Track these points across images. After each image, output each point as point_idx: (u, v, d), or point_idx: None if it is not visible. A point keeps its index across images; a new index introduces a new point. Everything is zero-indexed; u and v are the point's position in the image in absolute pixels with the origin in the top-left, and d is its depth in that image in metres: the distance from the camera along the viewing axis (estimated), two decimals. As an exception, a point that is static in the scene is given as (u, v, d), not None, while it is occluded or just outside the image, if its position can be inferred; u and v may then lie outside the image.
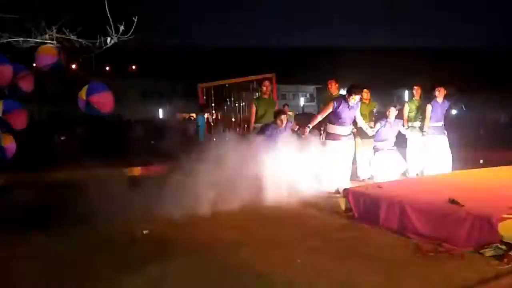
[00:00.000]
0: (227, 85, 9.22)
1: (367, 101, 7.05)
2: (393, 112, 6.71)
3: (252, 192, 5.58)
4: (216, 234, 4.14)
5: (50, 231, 4.31)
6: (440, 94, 6.70)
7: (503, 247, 3.12)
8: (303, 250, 3.54)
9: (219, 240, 3.95)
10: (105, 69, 15.47)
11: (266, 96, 6.79)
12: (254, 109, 6.66)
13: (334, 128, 6.05)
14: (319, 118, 6.07)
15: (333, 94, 6.90)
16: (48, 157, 9.22)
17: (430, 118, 6.74)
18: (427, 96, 7.04)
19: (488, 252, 3.17)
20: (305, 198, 5.75)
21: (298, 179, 5.90)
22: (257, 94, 8.08)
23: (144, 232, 4.27)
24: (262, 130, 6.08)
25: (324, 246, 3.62)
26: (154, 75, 14.59)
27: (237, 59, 12.55)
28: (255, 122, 6.63)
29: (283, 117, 5.91)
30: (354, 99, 5.98)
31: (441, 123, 6.80)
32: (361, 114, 6.31)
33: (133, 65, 15.58)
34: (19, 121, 6.04)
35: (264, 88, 6.72)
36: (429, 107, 6.74)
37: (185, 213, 4.89)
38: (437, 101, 6.73)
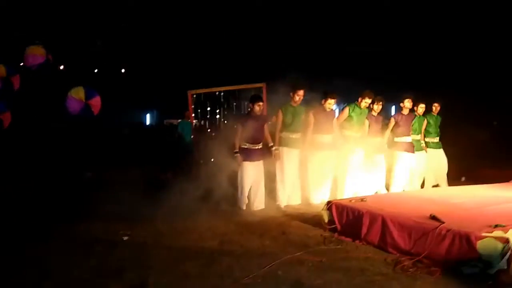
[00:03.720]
0: (217, 93, 9.21)
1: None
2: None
3: (236, 202, 5.60)
4: (197, 243, 4.11)
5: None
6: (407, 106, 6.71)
7: (481, 265, 3.15)
8: (285, 261, 3.52)
9: (200, 249, 3.92)
10: (94, 71, 15.33)
11: (295, 105, 6.00)
12: (280, 117, 5.97)
13: (316, 138, 6.08)
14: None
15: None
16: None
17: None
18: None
19: (467, 269, 3.20)
20: (289, 208, 5.78)
21: (283, 188, 5.92)
22: (245, 104, 7.98)
23: (124, 238, 4.21)
24: (238, 118, 5.87)
25: (304, 258, 3.60)
26: (142, 79, 14.51)
27: (229, 66, 12.52)
28: (281, 131, 5.96)
29: (261, 104, 5.70)
30: (330, 103, 6.03)
31: (409, 138, 6.80)
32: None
33: (122, 68, 15.49)
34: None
35: (297, 98, 5.92)
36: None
37: (167, 221, 4.86)
38: (403, 114, 6.74)
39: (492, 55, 10.18)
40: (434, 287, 3.04)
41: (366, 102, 6.25)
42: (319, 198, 6.02)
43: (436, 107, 7.14)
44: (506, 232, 3.30)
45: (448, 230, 3.41)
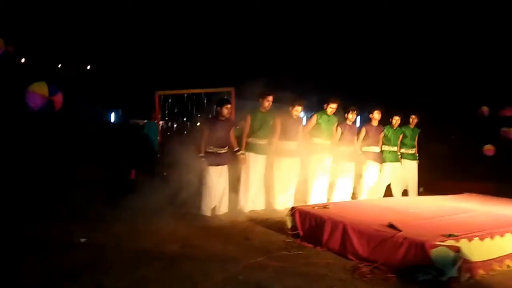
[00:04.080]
0: (185, 95, 9.12)
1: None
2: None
3: (201, 205, 5.53)
4: (158, 247, 4.03)
5: None
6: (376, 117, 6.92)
7: (434, 272, 3.28)
8: (246, 266, 3.52)
9: (161, 252, 3.84)
10: (57, 67, 14.78)
11: (264, 111, 5.97)
12: (249, 122, 5.92)
13: (281, 144, 6.13)
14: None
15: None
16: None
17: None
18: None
19: (421, 276, 3.32)
20: (253, 214, 5.79)
21: (247, 194, 5.92)
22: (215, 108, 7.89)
23: (82, 240, 4.07)
24: (205, 121, 5.81)
25: (266, 263, 3.62)
26: (108, 76, 14.10)
27: (199, 69, 12.41)
28: (248, 136, 5.94)
29: (229, 106, 5.65)
30: (297, 110, 6.11)
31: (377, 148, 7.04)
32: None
33: (87, 65, 15.01)
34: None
35: (267, 103, 5.90)
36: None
37: (128, 223, 4.75)
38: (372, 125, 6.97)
39: (451, 73, 10.69)
40: (390, 293, 3.13)
41: (331, 107, 6.35)
42: (283, 204, 6.07)
43: (413, 119, 7.29)
44: (458, 241, 3.46)
45: (404, 238, 3.53)
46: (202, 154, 5.50)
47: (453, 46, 10.65)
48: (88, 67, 15.44)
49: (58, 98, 6.00)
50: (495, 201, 5.97)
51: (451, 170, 8.70)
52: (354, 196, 6.88)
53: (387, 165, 7.08)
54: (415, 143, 7.39)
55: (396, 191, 7.18)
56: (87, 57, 14.79)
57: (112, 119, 15.79)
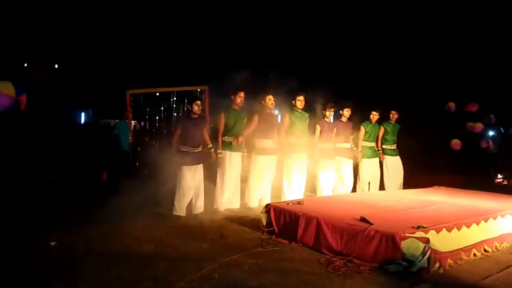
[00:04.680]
0: (158, 94, 8.99)
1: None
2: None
3: (175, 205, 5.48)
4: (131, 247, 3.97)
5: None
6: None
7: (405, 263, 3.38)
8: (221, 264, 3.52)
9: (134, 253, 3.78)
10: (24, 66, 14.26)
11: (237, 108, 5.99)
12: (223, 120, 5.91)
13: (260, 142, 6.15)
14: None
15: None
16: None
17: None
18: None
19: (392, 268, 3.41)
20: (228, 212, 5.78)
21: (223, 192, 5.91)
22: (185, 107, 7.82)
23: (52, 243, 3.96)
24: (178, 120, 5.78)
25: (242, 261, 3.63)
26: (77, 75, 13.67)
27: (171, 66, 12.24)
28: (223, 135, 5.93)
29: (199, 102, 5.60)
30: (270, 99, 6.12)
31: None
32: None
33: (54, 64, 14.53)
34: None
35: (239, 100, 5.91)
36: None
37: (100, 225, 4.66)
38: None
39: (421, 70, 11.00)
40: (363, 285, 3.20)
41: (299, 100, 6.34)
42: (259, 202, 6.09)
43: (393, 115, 7.40)
44: (427, 233, 3.57)
45: (376, 231, 3.62)
46: (175, 153, 5.44)
47: (422, 45, 10.96)
48: (56, 66, 14.98)
49: (23, 99, 5.80)
50: (462, 193, 6.19)
51: (421, 165, 8.96)
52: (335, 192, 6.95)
53: (365, 161, 7.19)
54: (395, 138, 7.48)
55: (389, 183, 7.29)
56: (55, 56, 14.34)
57: (82, 119, 15.37)
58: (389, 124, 7.45)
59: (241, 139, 5.90)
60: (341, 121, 7.01)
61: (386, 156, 7.42)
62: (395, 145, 7.50)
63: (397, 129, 7.52)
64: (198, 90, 8.11)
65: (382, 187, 7.37)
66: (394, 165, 7.42)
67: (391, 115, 7.44)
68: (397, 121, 7.49)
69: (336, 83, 6.85)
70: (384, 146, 7.44)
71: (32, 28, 12.30)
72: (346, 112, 6.95)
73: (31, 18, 12.00)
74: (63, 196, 6.36)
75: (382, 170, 7.44)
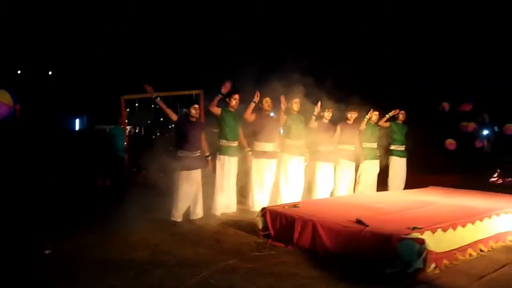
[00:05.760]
0: (152, 98, 8.96)
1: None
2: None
3: (171, 211, 5.44)
4: (127, 254, 3.94)
5: None
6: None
7: (401, 264, 3.38)
8: (218, 269, 3.51)
9: (130, 260, 3.76)
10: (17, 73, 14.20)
11: (232, 110, 5.97)
12: (219, 112, 5.83)
13: (259, 145, 6.14)
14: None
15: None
16: None
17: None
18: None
19: (388, 269, 3.41)
20: (225, 216, 5.77)
21: (221, 197, 5.89)
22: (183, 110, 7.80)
23: (46, 252, 3.93)
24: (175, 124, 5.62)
25: (238, 265, 3.62)
26: (71, 82, 13.58)
27: (165, 71, 12.21)
28: (220, 138, 5.93)
29: (197, 106, 5.57)
30: (267, 101, 6.09)
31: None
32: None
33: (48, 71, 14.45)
34: None
35: (234, 102, 5.90)
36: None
37: (95, 232, 4.63)
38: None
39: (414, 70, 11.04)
40: (359, 287, 3.20)
41: (295, 103, 6.32)
42: (256, 206, 6.07)
43: (402, 115, 7.33)
44: (422, 233, 3.58)
45: (371, 233, 3.62)
46: (172, 158, 5.41)
47: (416, 46, 11.00)
48: (50, 72, 14.94)
49: (17, 107, 5.79)
50: (457, 193, 6.22)
51: (416, 165, 8.99)
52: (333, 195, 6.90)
53: (365, 162, 7.11)
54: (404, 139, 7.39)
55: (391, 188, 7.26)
56: (48, 63, 14.29)
57: (77, 126, 15.31)
58: (396, 124, 7.38)
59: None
60: (346, 123, 6.94)
61: (393, 157, 7.36)
62: (404, 146, 7.42)
63: (405, 129, 7.43)
64: (194, 94, 8.11)
65: (385, 188, 7.32)
66: (401, 167, 7.37)
67: (400, 115, 7.34)
68: (404, 122, 7.42)
69: (333, 82, 6.76)
70: (392, 147, 7.39)
71: (25, 34, 12.25)
72: (352, 114, 6.90)
73: (24, 25, 11.95)
74: (58, 202, 6.33)
75: (387, 171, 7.40)
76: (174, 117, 5.50)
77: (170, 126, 8.92)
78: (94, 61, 13.14)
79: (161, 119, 8.85)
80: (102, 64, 13.09)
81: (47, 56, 13.46)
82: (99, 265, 3.60)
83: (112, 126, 8.51)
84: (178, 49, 12.39)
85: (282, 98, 6.01)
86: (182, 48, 12.36)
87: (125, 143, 8.14)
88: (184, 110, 5.69)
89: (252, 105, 5.99)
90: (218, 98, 5.72)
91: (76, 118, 15.36)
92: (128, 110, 8.64)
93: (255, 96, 5.98)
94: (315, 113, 6.48)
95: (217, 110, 5.80)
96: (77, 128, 15.04)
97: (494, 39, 10.37)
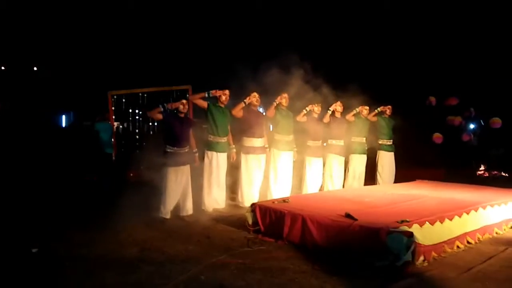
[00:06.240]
0: (140, 94, 8.90)
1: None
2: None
3: (160, 208, 5.40)
4: (115, 252, 3.91)
5: None
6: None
7: (390, 257, 3.41)
8: (208, 266, 3.50)
9: (119, 257, 3.73)
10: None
11: (222, 106, 5.90)
12: (206, 105, 5.77)
13: (248, 141, 6.12)
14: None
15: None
16: None
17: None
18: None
19: (377, 262, 3.44)
20: (215, 212, 5.75)
21: (210, 193, 5.86)
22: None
23: (33, 250, 3.87)
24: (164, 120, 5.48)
25: (228, 261, 3.61)
26: (57, 78, 13.31)
27: (153, 67, 12.06)
28: (208, 133, 5.88)
29: (185, 101, 5.52)
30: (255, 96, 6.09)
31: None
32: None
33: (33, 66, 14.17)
34: None
35: (224, 98, 5.82)
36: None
37: (83, 229, 4.58)
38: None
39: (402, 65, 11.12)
40: (349, 281, 3.22)
41: (284, 98, 6.31)
42: (246, 201, 6.06)
43: (389, 109, 7.38)
44: (410, 227, 3.62)
45: (360, 227, 3.64)
46: (160, 154, 5.36)
47: (403, 40, 11.08)
48: (35, 68, 14.65)
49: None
50: (444, 186, 6.30)
51: (403, 159, 9.07)
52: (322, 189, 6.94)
53: (354, 156, 7.16)
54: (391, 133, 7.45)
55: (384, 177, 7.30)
56: (33, 58, 14.00)
57: (64, 122, 15.07)
58: (384, 118, 7.41)
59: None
60: (335, 117, 6.96)
61: (381, 152, 7.39)
62: (391, 140, 7.45)
63: (392, 123, 7.48)
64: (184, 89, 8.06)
65: (373, 182, 7.36)
66: (389, 161, 7.41)
67: (387, 110, 7.38)
68: (391, 116, 7.47)
69: (329, 79, 6.75)
70: (380, 141, 7.41)
71: (9, 30, 11.98)
72: (339, 108, 6.91)
73: (7, 20, 11.69)
74: (44, 200, 6.23)
75: (375, 165, 7.45)
76: (204, 104, 5.71)
77: (155, 123, 8.85)
78: (81, 56, 12.92)
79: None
80: (88, 59, 12.88)
81: (31, 51, 13.18)
82: (87, 263, 3.56)
83: (97, 121, 8.29)
84: (166, 44, 12.25)
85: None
86: (170, 43, 12.24)
87: (113, 140, 8.05)
88: (165, 104, 5.54)
89: (242, 105, 5.98)
90: (204, 95, 5.69)
91: (62, 115, 15.12)
92: (115, 105, 8.54)
93: (248, 98, 5.98)
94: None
95: (203, 103, 5.76)
96: (63, 124, 14.80)
97: (480, 34, 10.49)
